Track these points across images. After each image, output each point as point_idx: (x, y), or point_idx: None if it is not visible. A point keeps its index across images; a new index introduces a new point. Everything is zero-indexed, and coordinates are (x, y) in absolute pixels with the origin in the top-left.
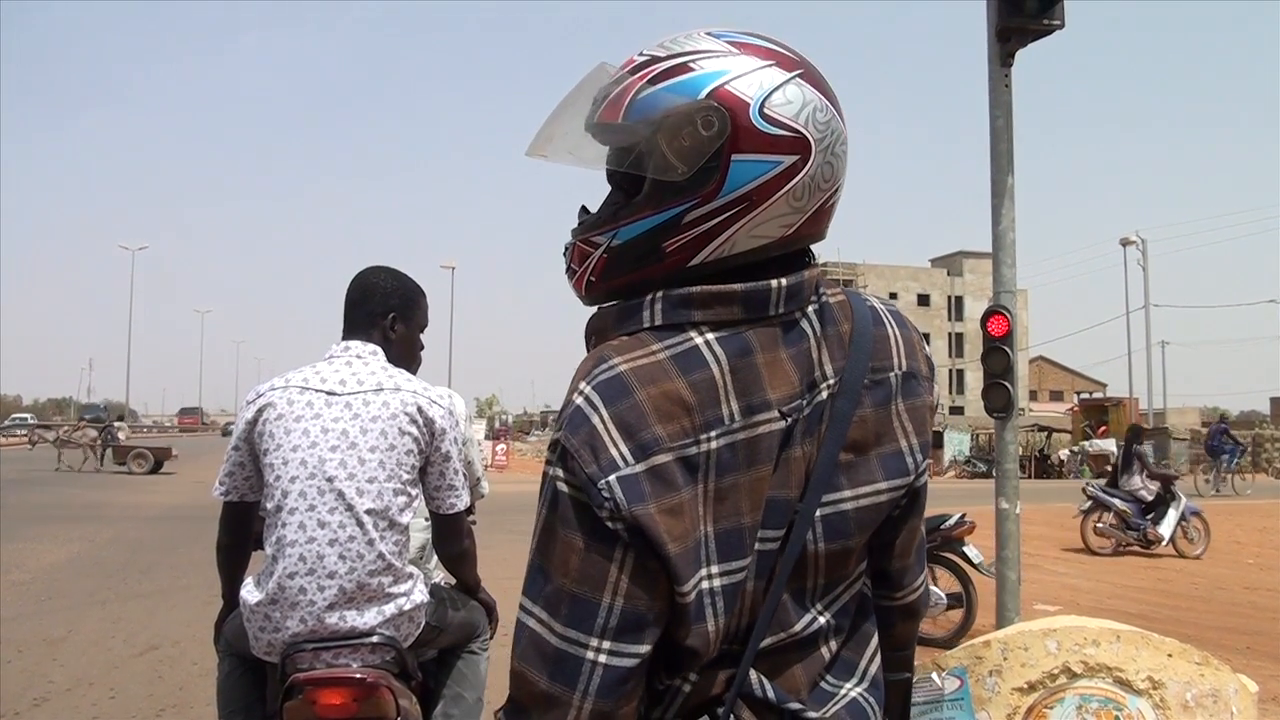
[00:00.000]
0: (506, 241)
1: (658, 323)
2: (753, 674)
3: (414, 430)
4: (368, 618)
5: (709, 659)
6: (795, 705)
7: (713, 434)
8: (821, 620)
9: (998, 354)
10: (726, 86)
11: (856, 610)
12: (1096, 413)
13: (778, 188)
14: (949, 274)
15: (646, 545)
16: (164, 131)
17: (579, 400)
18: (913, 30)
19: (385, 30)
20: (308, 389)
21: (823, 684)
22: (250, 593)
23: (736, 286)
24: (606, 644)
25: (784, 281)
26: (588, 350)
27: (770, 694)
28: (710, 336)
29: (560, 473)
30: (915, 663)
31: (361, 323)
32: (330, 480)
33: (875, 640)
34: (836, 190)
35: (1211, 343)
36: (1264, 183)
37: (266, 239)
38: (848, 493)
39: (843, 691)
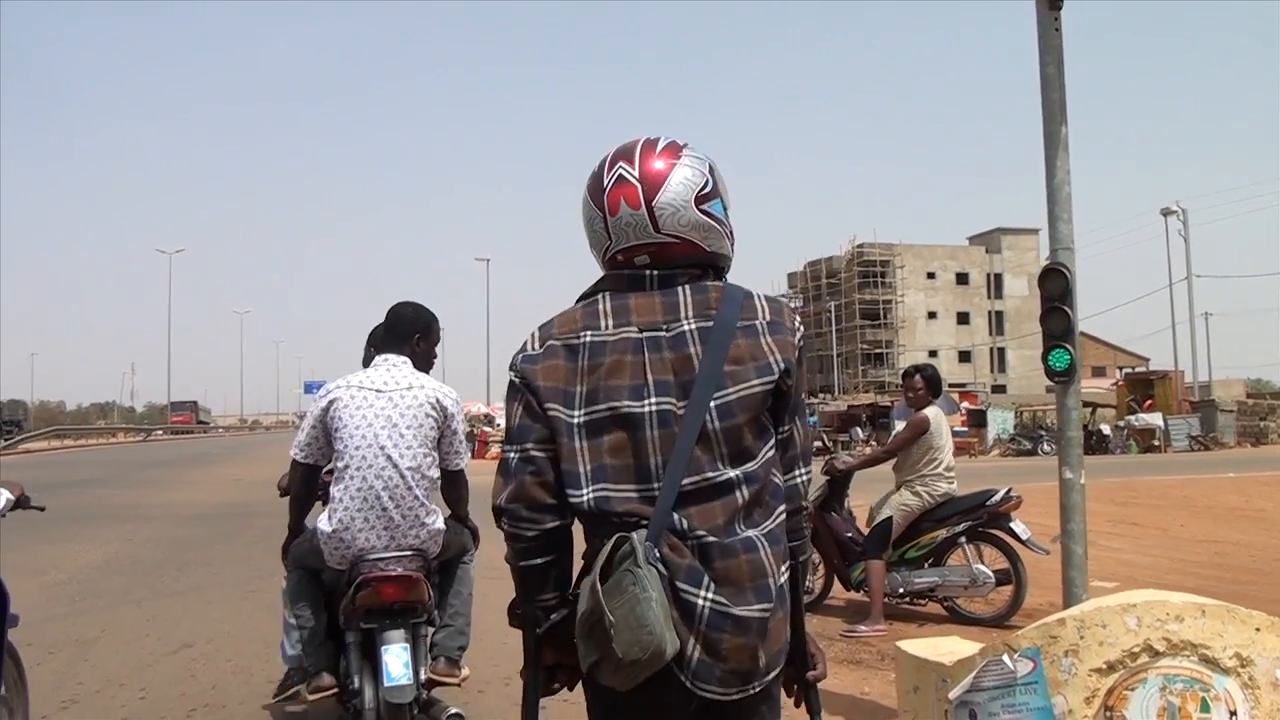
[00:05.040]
0: (540, 232)
1: (586, 291)
2: (675, 515)
3: (434, 414)
4: (409, 538)
5: (590, 476)
6: (702, 533)
7: (588, 333)
8: (732, 473)
9: (1057, 315)
10: None
11: (764, 486)
12: (1142, 387)
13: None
14: (987, 251)
15: (529, 387)
16: (195, 135)
17: (531, 332)
18: (946, 12)
19: (418, 27)
20: (364, 388)
21: (736, 525)
22: (325, 524)
23: (625, 272)
24: (518, 449)
25: (655, 272)
26: None
27: (683, 525)
28: (607, 297)
29: (514, 358)
30: (984, 644)
31: (395, 342)
32: (382, 448)
33: (780, 514)
34: (608, 241)
35: (1256, 312)
36: None
37: (301, 238)
38: (730, 389)
39: (748, 533)
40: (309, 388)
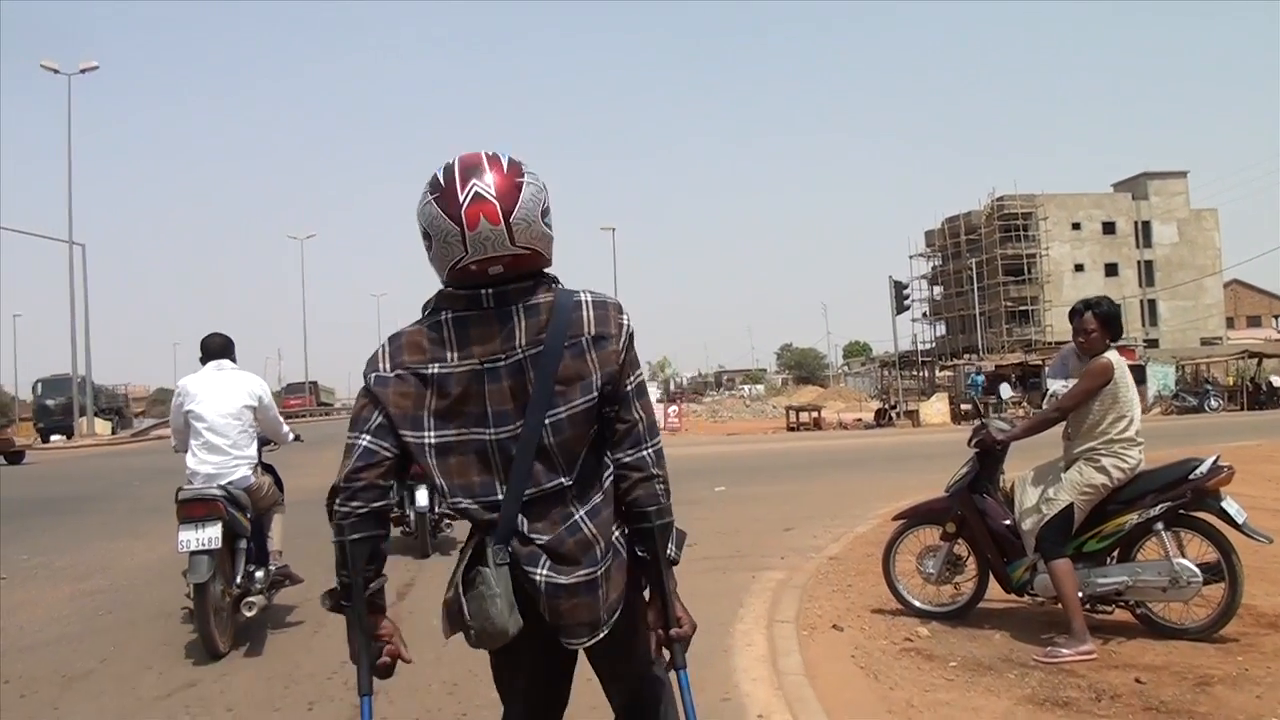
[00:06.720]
0: (669, 205)
1: (430, 308)
2: (521, 518)
3: None
4: None
5: (449, 491)
6: (540, 538)
7: (435, 365)
8: (565, 480)
9: None
10: None
11: (590, 469)
12: None
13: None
14: (1134, 198)
15: (379, 404)
16: (322, 124)
17: (381, 343)
18: None
19: (546, 14)
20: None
21: (570, 515)
22: None
23: (463, 293)
24: (365, 437)
25: (490, 290)
26: None
27: (524, 528)
28: (449, 316)
29: (365, 370)
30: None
31: None
32: None
33: (608, 483)
34: (463, 254)
35: None
36: None
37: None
38: (562, 409)
39: (575, 515)
40: None
